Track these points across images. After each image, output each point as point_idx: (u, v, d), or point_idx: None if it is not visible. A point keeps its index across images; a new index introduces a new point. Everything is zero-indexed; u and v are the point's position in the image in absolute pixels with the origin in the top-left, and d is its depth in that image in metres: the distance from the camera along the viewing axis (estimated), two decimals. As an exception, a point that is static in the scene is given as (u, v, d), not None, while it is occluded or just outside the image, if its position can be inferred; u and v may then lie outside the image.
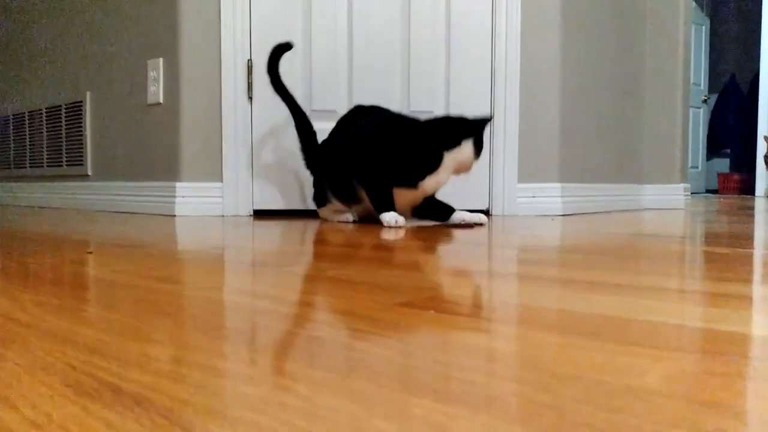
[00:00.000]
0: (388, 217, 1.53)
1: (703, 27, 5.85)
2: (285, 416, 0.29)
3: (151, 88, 2.10)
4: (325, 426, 0.28)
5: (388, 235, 1.30)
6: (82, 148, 2.51)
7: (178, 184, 1.99)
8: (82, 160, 2.52)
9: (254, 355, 0.39)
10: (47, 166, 2.77)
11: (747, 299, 0.58)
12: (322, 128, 1.94)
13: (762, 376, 0.35)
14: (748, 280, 0.69)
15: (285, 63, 2.00)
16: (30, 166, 2.92)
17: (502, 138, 2.04)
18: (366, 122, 1.66)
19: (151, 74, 2.09)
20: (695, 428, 0.27)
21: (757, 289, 0.63)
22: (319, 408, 0.30)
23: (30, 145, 2.91)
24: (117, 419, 0.29)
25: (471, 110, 2.04)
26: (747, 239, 1.21)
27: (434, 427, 0.28)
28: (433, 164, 1.57)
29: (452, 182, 2.04)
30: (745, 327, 0.46)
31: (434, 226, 1.58)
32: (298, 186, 2.02)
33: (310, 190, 2.01)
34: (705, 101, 6.00)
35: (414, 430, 0.27)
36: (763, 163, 5.13)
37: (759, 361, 0.38)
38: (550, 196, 2.06)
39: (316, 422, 0.28)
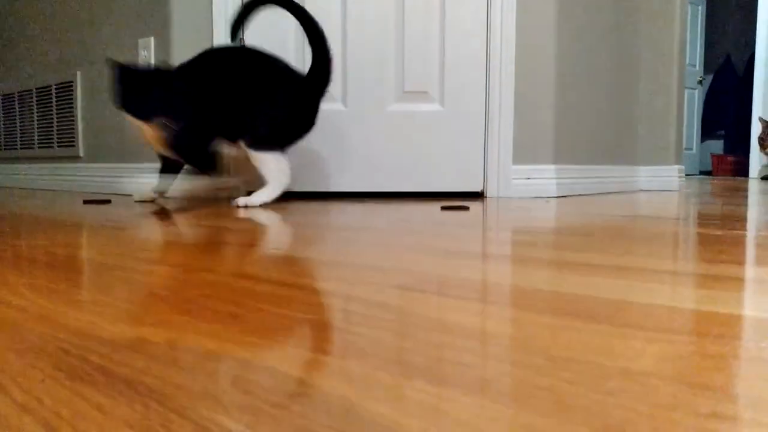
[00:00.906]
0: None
1: (699, 7, 5.81)
2: (278, 399, 0.29)
3: (143, 69, 2.07)
4: (318, 409, 0.28)
5: (370, 215, 1.29)
6: (73, 129, 2.49)
7: (171, 166, 1.97)
8: (73, 142, 2.49)
9: (248, 338, 0.39)
10: (38, 147, 2.75)
11: (740, 281, 0.58)
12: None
13: (756, 358, 0.35)
14: (741, 262, 0.69)
15: (279, 46, 1.98)
16: (21, 148, 2.90)
17: (496, 118, 2.03)
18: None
19: (143, 53, 2.07)
20: (690, 410, 0.27)
21: (750, 271, 0.63)
22: (312, 390, 0.30)
23: (20, 126, 2.88)
24: (109, 403, 0.28)
25: (466, 89, 2.03)
26: (740, 221, 1.21)
27: (428, 409, 0.28)
28: None
29: (445, 163, 2.04)
30: (739, 309, 0.47)
31: (410, 206, 1.58)
32: (293, 167, 2.01)
33: (305, 172, 2.00)
34: (700, 82, 5.98)
35: (408, 412, 0.27)
36: (758, 144, 5.14)
37: (753, 342, 0.38)
38: (544, 178, 2.06)
39: (309, 405, 0.28)
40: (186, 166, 1.73)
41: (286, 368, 0.33)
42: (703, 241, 0.90)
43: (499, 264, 0.68)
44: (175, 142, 1.55)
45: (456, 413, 0.27)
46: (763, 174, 5.21)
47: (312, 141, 2.00)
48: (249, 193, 1.75)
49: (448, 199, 1.92)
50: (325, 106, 1.82)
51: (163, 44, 1.99)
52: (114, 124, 2.27)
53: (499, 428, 0.26)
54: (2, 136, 3.06)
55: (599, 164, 2.39)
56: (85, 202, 1.74)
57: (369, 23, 2.00)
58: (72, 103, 2.48)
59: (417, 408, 0.28)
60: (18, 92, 2.88)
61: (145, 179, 2.08)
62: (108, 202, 1.75)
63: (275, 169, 1.62)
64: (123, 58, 2.19)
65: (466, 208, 1.53)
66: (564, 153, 2.14)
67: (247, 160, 1.65)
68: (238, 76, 1.58)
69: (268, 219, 1.25)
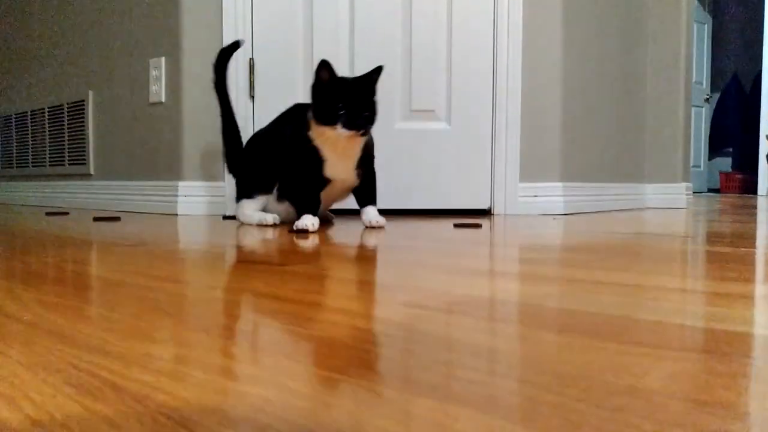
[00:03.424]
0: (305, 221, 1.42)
1: (706, 25, 5.83)
2: (287, 415, 0.29)
3: (153, 87, 2.10)
4: (326, 425, 0.28)
5: (382, 234, 1.29)
6: (84, 147, 2.52)
7: (180, 183, 1.99)
8: (84, 160, 2.52)
9: (256, 354, 0.39)
10: (50, 165, 2.77)
11: (749, 299, 0.58)
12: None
13: (764, 376, 0.35)
14: (750, 280, 0.69)
15: (288, 63, 2.00)
16: (33, 165, 2.93)
17: (503, 137, 2.04)
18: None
19: (153, 73, 2.09)
20: (697, 428, 0.27)
21: (759, 289, 0.63)
22: (321, 407, 0.30)
23: (32, 144, 2.91)
24: (119, 418, 0.29)
25: (473, 107, 2.04)
26: (749, 238, 1.21)
27: (436, 426, 0.28)
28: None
29: (453, 180, 2.04)
30: (747, 327, 0.46)
31: (422, 223, 1.58)
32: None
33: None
34: (707, 100, 5.98)
35: (416, 429, 0.27)
36: (766, 162, 5.12)
37: (761, 361, 0.38)
38: (551, 195, 2.06)
39: (318, 421, 0.28)
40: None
41: (294, 384, 0.33)
42: (712, 258, 0.89)
43: (507, 281, 0.69)
44: None
45: (463, 430, 0.27)
46: (772, 191, 5.18)
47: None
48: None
49: (455, 216, 1.93)
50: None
51: (174, 64, 2.02)
52: (124, 142, 2.30)
53: (506, 445, 0.26)
54: (14, 155, 3.09)
55: (606, 182, 2.39)
56: (95, 219, 1.76)
57: (376, 43, 2.02)
58: (83, 121, 2.51)
59: (424, 425, 0.28)
60: (30, 111, 2.91)
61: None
62: (118, 219, 1.76)
63: None
64: (134, 77, 2.22)
65: (479, 226, 1.53)
66: (571, 171, 2.14)
67: None
68: None
69: (272, 237, 1.25)
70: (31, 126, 2.91)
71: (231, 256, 0.93)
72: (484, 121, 2.05)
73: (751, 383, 0.34)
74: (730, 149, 6.47)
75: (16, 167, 3.08)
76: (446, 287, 0.64)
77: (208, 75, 1.98)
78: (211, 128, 1.99)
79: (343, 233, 1.34)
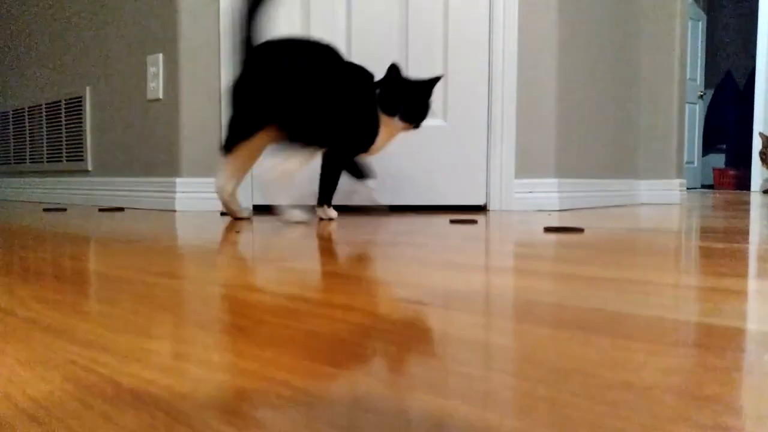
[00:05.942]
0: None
1: (700, 22, 5.84)
2: (283, 409, 0.29)
3: (151, 84, 2.09)
4: (321, 419, 0.28)
5: (375, 228, 1.30)
6: (82, 143, 2.51)
7: (178, 180, 1.99)
8: (82, 156, 2.51)
9: (253, 350, 0.39)
10: (47, 161, 2.77)
11: (742, 294, 0.58)
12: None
13: (758, 371, 0.35)
14: (743, 275, 0.69)
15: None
16: (30, 162, 2.92)
17: (499, 133, 2.04)
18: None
19: (151, 70, 2.09)
20: (692, 423, 0.28)
21: (752, 284, 0.63)
22: (316, 401, 0.30)
23: (30, 140, 2.90)
24: (116, 414, 0.29)
25: (470, 103, 2.05)
26: (742, 234, 1.21)
27: (430, 421, 0.28)
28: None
29: (449, 177, 2.05)
30: (741, 321, 0.47)
31: (418, 219, 1.58)
32: (297, 181, 2.02)
33: (308, 185, 2.01)
34: (701, 97, 6.00)
35: (410, 423, 0.28)
36: (759, 158, 5.14)
37: (755, 355, 0.38)
38: (546, 192, 2.06)
39: (312, 415, 0.28)
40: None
41: (291, 379, 0.34)
42: (705, 254, 0.90)
43: (502, 277, 0.69)
44: None
45: (458, 425, 0.27)
46: (765, 188, 5.20)
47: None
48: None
49: (451, 212, 1.93)
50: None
51: (172, 61, 2.01)
52: (122, 139, 2.29)
53: (502, 439, 0.26)
54: (12, 151, 3.08)
55: (601, 178, 2.39)
56: (101, 210, 1.76)
57: (372, 39, 2.01)
58: (81, 117, 2.50)
59: (419, 419, 0.28)
60: (28, 107, 2.90)
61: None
62: (121, 210, 1.76)
63: None
64: (131, 74, 2.21)
65: (474, 222, 1.53)
66: (566, 167, 2.15)
67: None
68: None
69: (270, 232, 1.25)
70: (29, 122, 2.90)
71: (226, 252, 0.93)
72: (479, 118, 2.05)
73: (744, 378, 0.34)
74: (724, 146, 6.49)
75: (14, 163, 3.06)
76: (442, 282, 0.64)
77: (206, 71, 1.98)
78: (209, 125, 1.99)
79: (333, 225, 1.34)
